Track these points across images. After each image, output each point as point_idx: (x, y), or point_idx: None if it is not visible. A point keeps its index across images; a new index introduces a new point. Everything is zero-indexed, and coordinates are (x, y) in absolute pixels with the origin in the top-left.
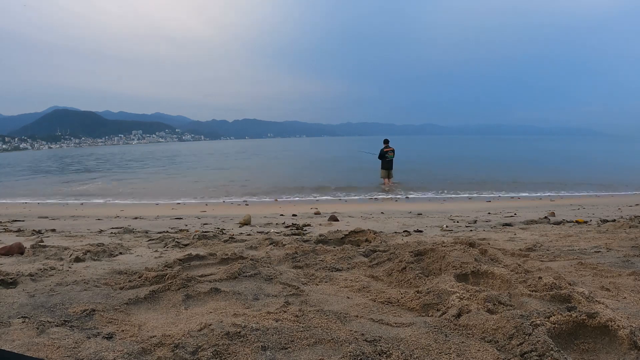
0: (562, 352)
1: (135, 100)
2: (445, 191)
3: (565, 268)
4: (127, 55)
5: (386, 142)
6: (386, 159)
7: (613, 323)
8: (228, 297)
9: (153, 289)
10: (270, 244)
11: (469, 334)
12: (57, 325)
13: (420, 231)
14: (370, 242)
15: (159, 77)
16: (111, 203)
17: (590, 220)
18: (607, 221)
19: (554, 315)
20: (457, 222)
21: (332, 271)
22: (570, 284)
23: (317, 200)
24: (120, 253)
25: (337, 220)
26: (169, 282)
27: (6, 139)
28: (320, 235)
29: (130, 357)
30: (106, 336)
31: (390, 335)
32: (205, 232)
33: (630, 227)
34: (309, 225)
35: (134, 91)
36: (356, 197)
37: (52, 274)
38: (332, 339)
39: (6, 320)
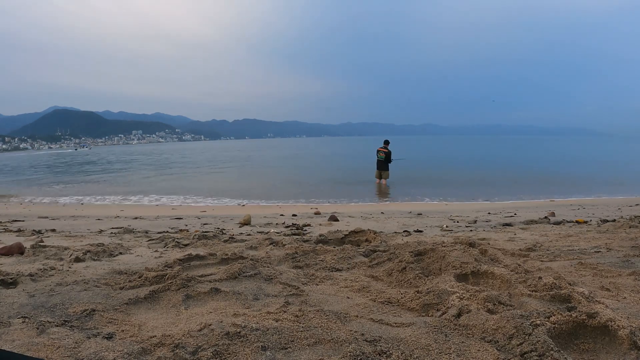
0: (562, 352)
1: (135, 100)
2: (445, 191)
3: (565, 268)
4: (127, 55)
5: (386, 142)
6: (377, 159)
7: (613, 323)
8: (228, 297)
9: (153, 289)
10: (270, 244)
11: (469, 334)
12: (57, 325)
13: (420, 231)
14: (370, 242)
15: (159, 77)
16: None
17: (590, 220)
18: (607, 221)
19: (554, 315)
20: (457, 222)
21: (332, 271)
22: (570, 284)
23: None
24: (120, 253)
25: (337, 220)
26: (169, 282)
27: (6, 139)
28: (320, 235)
29: (130, 357)
30: (106, 336)
31: (390, 335)
32: (205, 232)
33: (630, 227)
34: (309, 225)
35: (134, 91)
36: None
37: (52, 274)
38: (332, 339)
39: (6, 320)
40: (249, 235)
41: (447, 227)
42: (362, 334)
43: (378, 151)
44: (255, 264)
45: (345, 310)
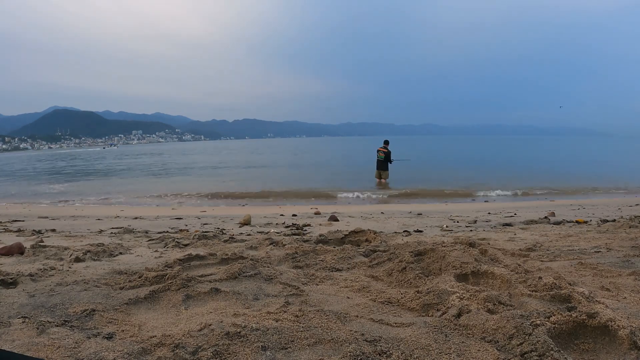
0: (562, 352)
1: (135, 100)
2: (446, 191)
3: (565, 268)
4: (127, 55)
5: (386, 142)
6: (377, 159)
7: (613, 323)
8: (228, 297)
9: (153, 289)
10: (270, 244)
11: (469, 334)
12: (57, 325)
13: (420, 231)
14: (371, 242)
15: (159, 77)
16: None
17: (590, 220)
18: (607, 221)
19: (554, 315)
20: (457, 222)
21: (332, 271)
22: (570, 284)
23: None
24: (120, 253)
25: (337, 220)
26: (169, 282)
27: (6, 139)
28: (320, 235)
29: (130, 357)
30: (106, 336)
31: (391, 335)
32: (205, 232)
33: (630, 227)
34: (309, 225)
35: (134, 91)
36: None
37: (52, 274)
38: (332, 339)
39: (6, 320)
40: (249, 235)
41: (447, 227)
42: (362, 334)
43: (378, 151)
44: (255, 264)
45: (345, 310)
